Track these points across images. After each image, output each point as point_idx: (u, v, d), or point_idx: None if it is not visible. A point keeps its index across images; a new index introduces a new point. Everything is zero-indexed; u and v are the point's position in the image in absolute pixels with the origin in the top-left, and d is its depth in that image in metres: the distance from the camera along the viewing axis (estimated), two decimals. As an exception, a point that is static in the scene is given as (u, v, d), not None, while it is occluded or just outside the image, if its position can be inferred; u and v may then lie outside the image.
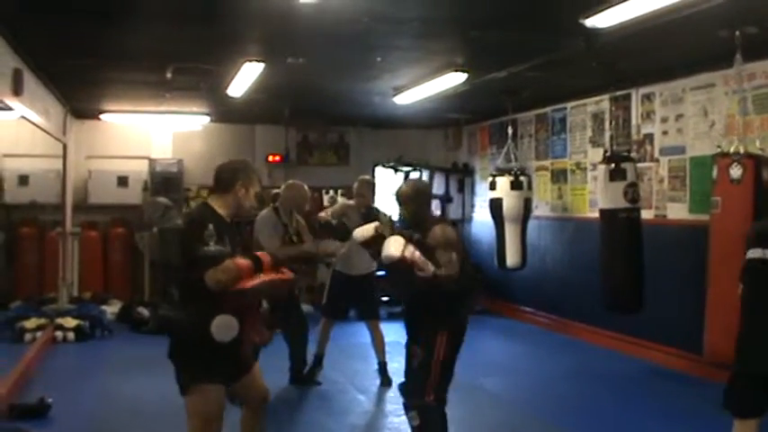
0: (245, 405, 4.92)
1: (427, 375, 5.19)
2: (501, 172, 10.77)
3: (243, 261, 4.44)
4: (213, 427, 4.47)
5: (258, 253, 4.67)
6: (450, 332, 5.24)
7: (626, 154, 9.17)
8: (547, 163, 11.91)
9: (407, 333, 5.48)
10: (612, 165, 8.71)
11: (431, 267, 5.00)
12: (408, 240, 5.10)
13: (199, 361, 4.41)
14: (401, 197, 5.47)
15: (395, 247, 5.03)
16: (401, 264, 5.01)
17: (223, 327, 4.34)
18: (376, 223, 5.60)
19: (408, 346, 5.42)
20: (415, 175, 14.41)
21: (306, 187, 8.01)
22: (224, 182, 4.68)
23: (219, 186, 4.70)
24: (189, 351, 4.47)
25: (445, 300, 5.21)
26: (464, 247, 5.55)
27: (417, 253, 4.99)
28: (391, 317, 11.68)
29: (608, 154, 9.07)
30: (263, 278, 4.45)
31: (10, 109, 7.88)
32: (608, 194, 8.81)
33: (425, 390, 5.17)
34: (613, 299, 8.89)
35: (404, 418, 5.88)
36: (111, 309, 12.18)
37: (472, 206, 14.30)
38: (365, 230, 5.48)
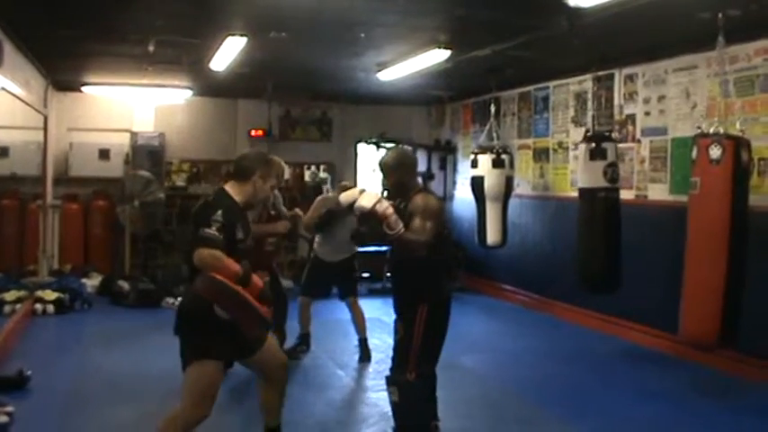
0: (264, 379, 5.04)
1: (408, 351, 5.19)
2: (483, 150, 10.77)
3: (233, 263, 4.48)
4: (206, 402, 4.55)
5: (254, 276, 4.62)
6: (431, 306, 5.23)
7: (607, 134, 9.19)
8: (529, 141, 11.93)
9: (394, 310, 5.49)
10: (593, 144, 8.73)
11: (401, 227, 5.01)
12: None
13: (202, 336, 4.50)
14: (384, 166, 5.46)
15: (367, 199, 5.06)
16: (371, 216, 5.04)
17: None
18: (361, 187, 5.64)
19: (394, 322, 5.45)
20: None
21: (283, 163, 8.04)
22: (243, 171, 4.82)
23: (238, 175, 4.82)
24: (193, 326, 4.54)
25: (424, 272, 5.23)
26: (445, 221, 5.53)
27: (390, 210, 5.00)
28: (372, 293, 11.74)
29: (589, 133, 9.10)
30: (237, 288, 4.44)
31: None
32: (587, 173, 8.84)
33: (407, 366, 5.18)
34: (590, 278, 8.91)
35: (382, 393, 5.93)
36: (92, 282, 12.17)
37: (454, 183, 14.33)
38: (351, 194, 5.42)
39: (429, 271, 5.27)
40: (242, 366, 5.19)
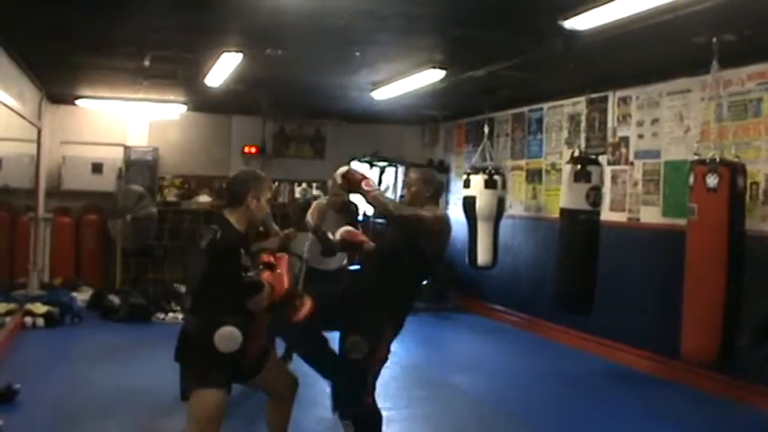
0: (273, 398, 5.01)
1: (365, 375, 5.07)
2: (476, 170, 10.79)
3: (265, 274, 4.65)
4: (211, 429, 4.51)
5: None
6: (394, 328, 5.19)
7: (594, 157, 9.23)
8: (522, 163, 11.95)
9: (346, 321, 5.19)
10: (578, 166, 8.78)
11: (379, 190, 5.22)
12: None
13: (200, 365, 4.49)
14: (408, 178, 5.67)
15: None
16: (350, 178, 5.15)
17: (226, 338, 4.43)
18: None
19: (343, 337, 5.16)
20: (390, 170, 14.52)
21: (269, 179, 8.01)
22: (235, 196, 4.72)
23: (232, 201, 4.74)
24: (192, 356, 4.54)
25: (408, 295, 5.23)
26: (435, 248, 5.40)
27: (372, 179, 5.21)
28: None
29: (576, 155, 9.13)
30: (281, 273, 4.76)
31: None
32: (571, 195, 8.90)
33: (364, 392, 5.06)
34: (564, 297, 9.06)
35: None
36: (82, 296, 12.11)
37: (446, 203, 14.31)
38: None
39: (406, 294, 5.26)
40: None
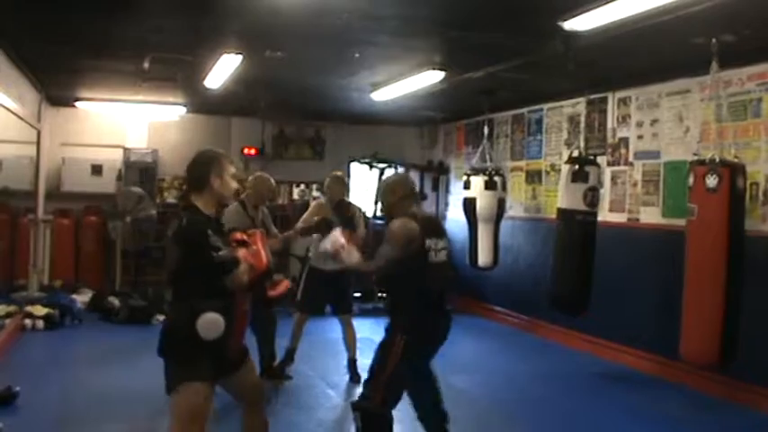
0: (243, 403, 4.88)
1: (377, 378, 5.13)
2: (476, 171, 10.79)
3: (241, 252, 4.56)
4: (196, 426, 4.40)
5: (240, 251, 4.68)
6: (411, 338, 5.12)
7: (591, 157, 9.22)
8: (522, 163, 11.95)
9: None
10: (576, 166, 8.77)
11: (354, 258, 5.32)
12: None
13: (184, 358, 4.38)
14: (377, 191, 5.61)
15: (329, 242, 5.54)
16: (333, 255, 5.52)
17: (209, 325, 4.33)
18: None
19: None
20: (390, 171, 14.49)
21: (272, 180, 8.06)
22: (197, 180, 4.59)
23: (195, 185, 4.60)
24: (175, 348, 4.44)
25: (402, 300, 5.21)
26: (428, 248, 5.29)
27: (340, 245, 5.39)
28: (363, 313, 11.70)
29: (575, 155, 9.12)
30: (258, 249, 4.69)
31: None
32: (568, 195, 8.88)
33: (372, 392, 5.13)
34: (560, 298, 9.06)
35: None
36: (82, 298, 12.10)
37: (446, 204, 14.33)
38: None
39: (406, 299, 5.22)
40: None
